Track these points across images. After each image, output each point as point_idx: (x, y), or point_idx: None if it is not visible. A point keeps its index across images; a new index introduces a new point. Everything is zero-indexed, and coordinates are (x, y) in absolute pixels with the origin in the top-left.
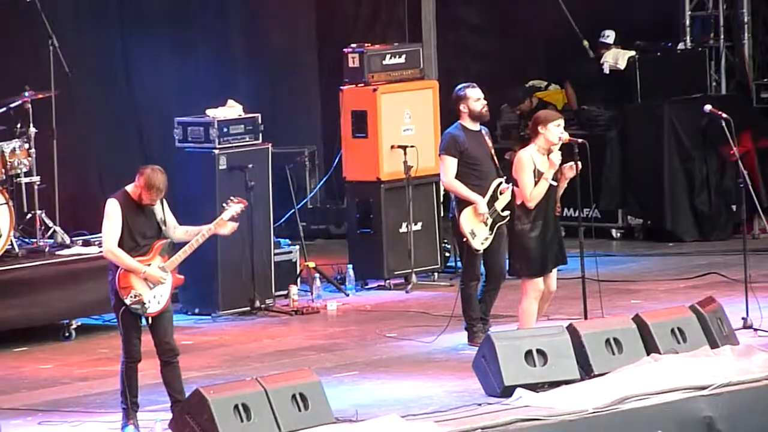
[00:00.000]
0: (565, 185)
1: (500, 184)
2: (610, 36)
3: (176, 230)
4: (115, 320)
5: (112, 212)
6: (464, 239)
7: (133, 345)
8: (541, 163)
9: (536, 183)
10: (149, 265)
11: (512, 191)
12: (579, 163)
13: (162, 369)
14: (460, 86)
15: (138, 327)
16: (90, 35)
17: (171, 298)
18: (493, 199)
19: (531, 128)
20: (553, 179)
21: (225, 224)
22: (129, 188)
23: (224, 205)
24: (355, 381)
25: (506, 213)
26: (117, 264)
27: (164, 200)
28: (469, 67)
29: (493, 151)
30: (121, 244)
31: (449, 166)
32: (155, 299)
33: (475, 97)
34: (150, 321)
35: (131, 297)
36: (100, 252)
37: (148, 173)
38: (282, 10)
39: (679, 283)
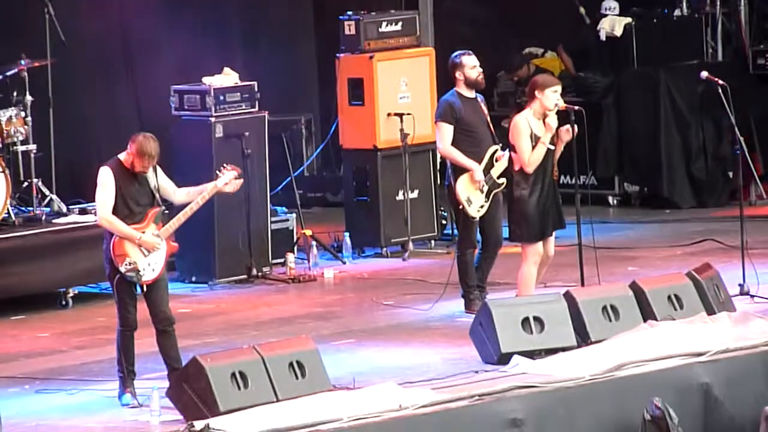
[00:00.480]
0: (562, 149)
1: (496, 151)
2: (615, 8)
3: (176, 193)
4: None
5: (105, 180)
6: (460, 207)
7: (129, 313)
8: (537, 128)
9: (533, 148)
10: (144, 232)
11: (509, 158)
12: (575, 126)
13: (158, 337)
14: (456, 53)
15: (133, 295)
16: (87, 4)
17: (166, 266)
18: (489, 166)
19: (528, 92)
20: (550, 143)
21: (219, 191)
22: (122, 156)
23: (218, 171)
24: (352, 348)
25: (502, 180)
26: (111, 231)
27: (158, 167)
28: (466, 35)
29: (488, 119)
30: (115, 212)
31: (445, 133)
32: (150, 267)
33: (470, 65)
34: (145, 289)
35: (126, 265)
36: (97, 220)
37: (140, 140)
38: None
39: (676, 250)
